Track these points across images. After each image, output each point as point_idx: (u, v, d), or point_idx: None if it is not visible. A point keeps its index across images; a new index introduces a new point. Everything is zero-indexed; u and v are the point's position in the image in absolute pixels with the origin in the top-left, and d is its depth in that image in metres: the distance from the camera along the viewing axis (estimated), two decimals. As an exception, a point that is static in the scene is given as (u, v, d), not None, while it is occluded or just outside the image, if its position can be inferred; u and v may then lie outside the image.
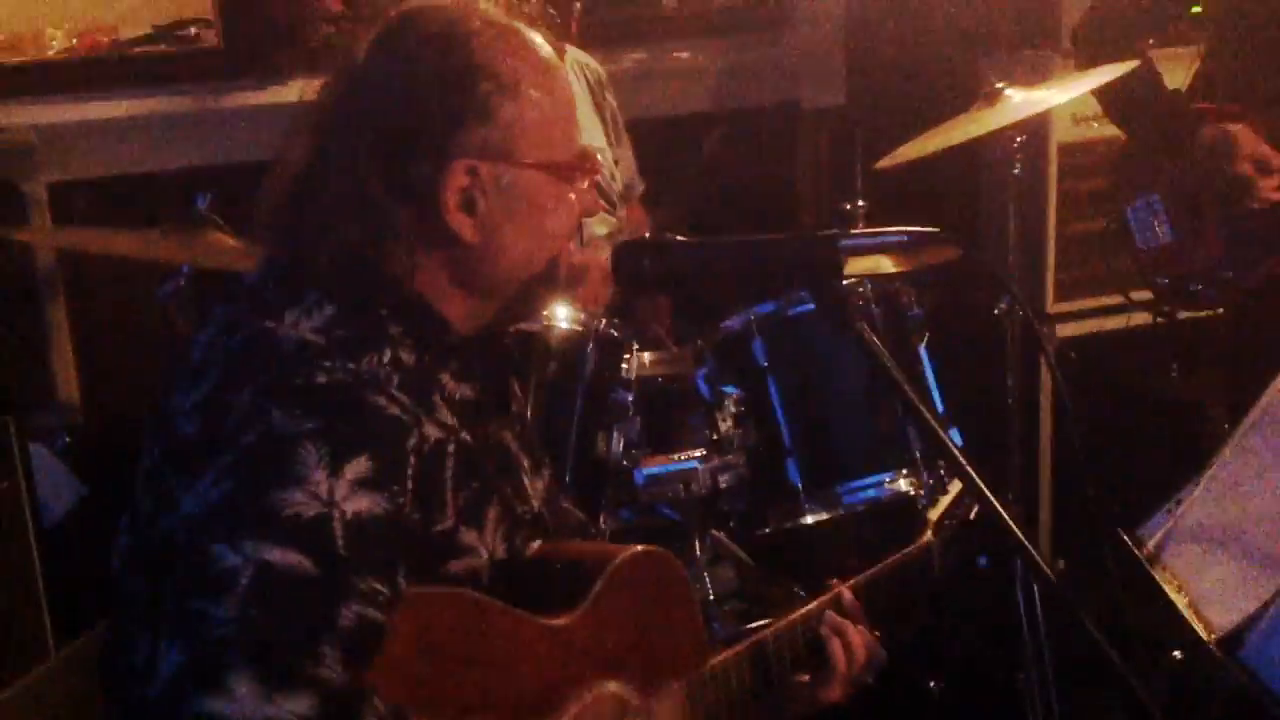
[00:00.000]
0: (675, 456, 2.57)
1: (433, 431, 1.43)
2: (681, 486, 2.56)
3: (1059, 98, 2.80)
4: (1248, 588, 1.64)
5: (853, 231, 1.60)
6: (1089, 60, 2.98)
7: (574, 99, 1.60)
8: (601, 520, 2.56)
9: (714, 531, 2.76)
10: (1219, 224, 2.89)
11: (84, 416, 3.42)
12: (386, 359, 1.44)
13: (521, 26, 1.55)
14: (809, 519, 2.59)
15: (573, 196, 1.57)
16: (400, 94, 1.48)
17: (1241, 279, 2.86)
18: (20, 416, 2.68)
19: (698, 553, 2.63)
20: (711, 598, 2.61)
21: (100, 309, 3.47)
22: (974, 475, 1.47)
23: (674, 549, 2.53)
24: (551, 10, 3.13)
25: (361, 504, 1.32)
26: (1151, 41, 3.11)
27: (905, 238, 1.65)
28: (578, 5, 3.25)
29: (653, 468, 2.55)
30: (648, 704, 1.59)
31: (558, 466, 2.52)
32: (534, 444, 1.75)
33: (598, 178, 1.90)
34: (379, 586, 1.31)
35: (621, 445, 2.55)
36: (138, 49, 4.18)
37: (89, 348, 3.50)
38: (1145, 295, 3.37)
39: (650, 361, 2.72)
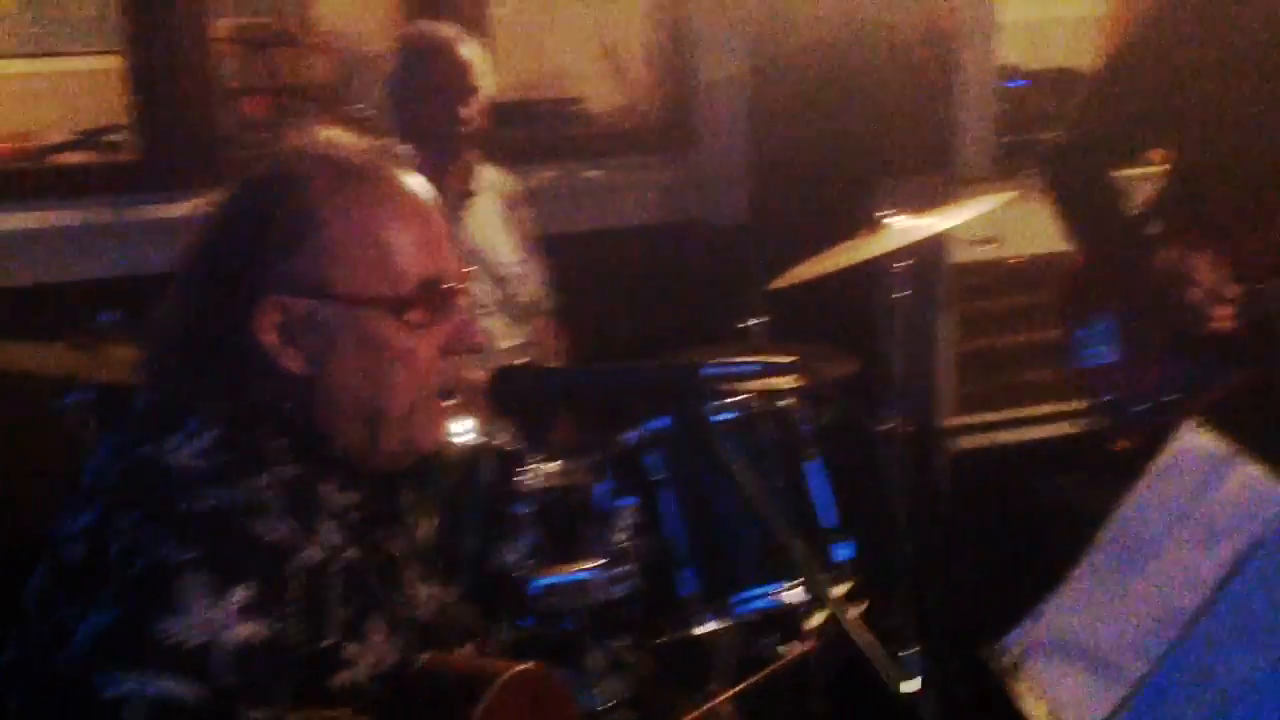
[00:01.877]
0: (571, 568, 2.61)
1: (315, 553, 1.48)
2: (577, 596, 2.60)
3: (938, 225, 2.93)
4: (1098, 697, 1.72)
5: (711, 360, 1.67)
6: (1058, 187, 3.06)
7: (431, 234, 1.57)
8: (502, 630, 2.60)
9: (612, 641, 2.81)
10: (1167, 347, 2.96)
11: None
12: (265, 481, 1.47)
13: (371, 162, 1.56)
14: (703, 628, 2.65)
15: (425, 335, 1.56)
16: (225, 231, 1.53)
17: (1186, 402, 2.91)
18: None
19: (589, 663, 2.67)
20: (600, 709, 2.64)
21: (8, 419, 3.48)
22: (819, 584, 1.55)
23: (570, 658, 2.62)
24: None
25: (246, 631, 1.37)
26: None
27: (760, 366, 1.73)
28: (475, 111, 3.36)
29: (549, 578, 2.59)
30: None
31: (457, 577, 2.58)
32: (425, 553, 1.80)
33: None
34: (262, 715, 1.36)
35: (518, 556, 2.60)
36: (57, 157, 4.25)
37: (-3, 458, 3.52)
38: (1046, 410, 3.51)
39: (551, 473, 2.77)
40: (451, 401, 1.63)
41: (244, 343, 1.50)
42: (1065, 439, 3.50)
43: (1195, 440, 1.87)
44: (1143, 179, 3.13)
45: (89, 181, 4.00)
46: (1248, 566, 1.66)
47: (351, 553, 1.54)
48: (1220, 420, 1.87)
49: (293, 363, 1.51)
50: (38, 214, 3.76)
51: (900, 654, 3.07)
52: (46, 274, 3.63)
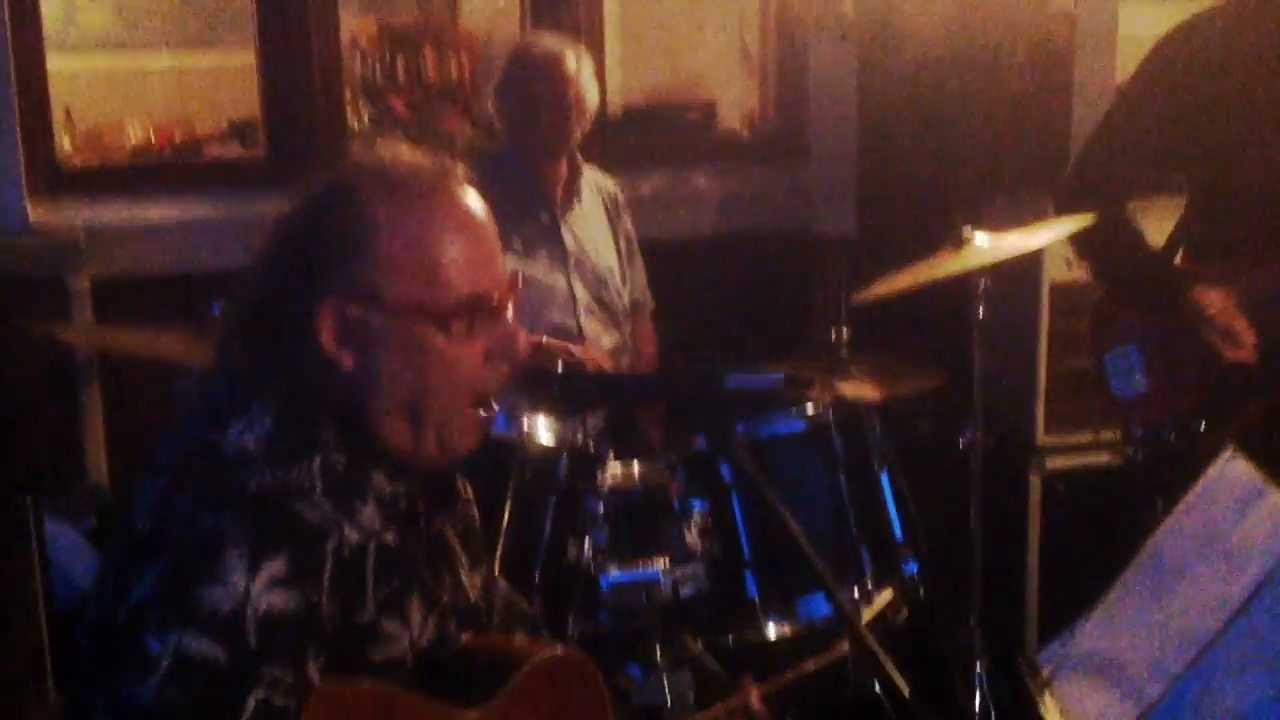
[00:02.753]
0: (640, 565, 2.71)
1: (353, 535, 1.60)
2: (645, 594, 2.70)
3: (1028, 244, 2.95)
4: (1115, 716, 1.76)
5: (737, 372, 1.74)
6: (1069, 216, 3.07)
7: (483, 251, 1.66)
8: (570, 623, 2.71)
9: (684, 638, 2.90)
10: (1194, 375, 2.96)
11: (112, 500, 3.63)
12: (316, 465, 1.60)
13: (431, 180, 1.67)
14: (768, 631, 2.73)
15: (470, 343, 1.65)
16: (293, 236, 1.65)
17: (1214, 430, 2.91)
18: (43, 497, 2.88)
19: (659, 659, 2.75)
20: (669, 703, 2.73)
21: (133, 398, 3.68)
22: (836, 593, 1.61)
23: (638, 654, 2.71)
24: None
25: (274, 600, 1.50)
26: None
27: (780, 376, 1.80)
28: (581, 120, 3.47)
29: (618, 575, 2.70)
30: None
31: (527, 569, 2.70)
32: (476, 539, 1.91)
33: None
34: (284, 675, 1.49)
35: (590, 552, 2.71)
36: (201, 151, 4.47)
37: (120, 435, 3.72)
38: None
39: (627, 472, 2.87)
40: (491, 410, 1.72)
41: (304, 340, 1.63)
42: (1159, 463, 3.48)
43: (1231, 468, 1.89)
44: (1161, 212, 3.10)
45: (224, 176, 4.21)
46: (1266, 592, 1.69)
47: (390, 536, 1.65)
48: (1251, 446, 1.89)
49: (345, 362, 1.63)
50: (174, 205, 3.95)
51: (972, 669, 3.10)
52: (173, 263, 3.82)
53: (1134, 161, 2.98)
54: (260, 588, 1.49)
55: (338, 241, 1.61)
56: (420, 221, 1.63)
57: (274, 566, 1.51)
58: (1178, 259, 3.07)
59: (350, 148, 1.74)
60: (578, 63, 3.47)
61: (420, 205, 1.64)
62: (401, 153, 1.70)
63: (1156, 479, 3.33)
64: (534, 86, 3.44)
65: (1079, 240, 3.04)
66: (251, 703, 1.46)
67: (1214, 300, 2.84)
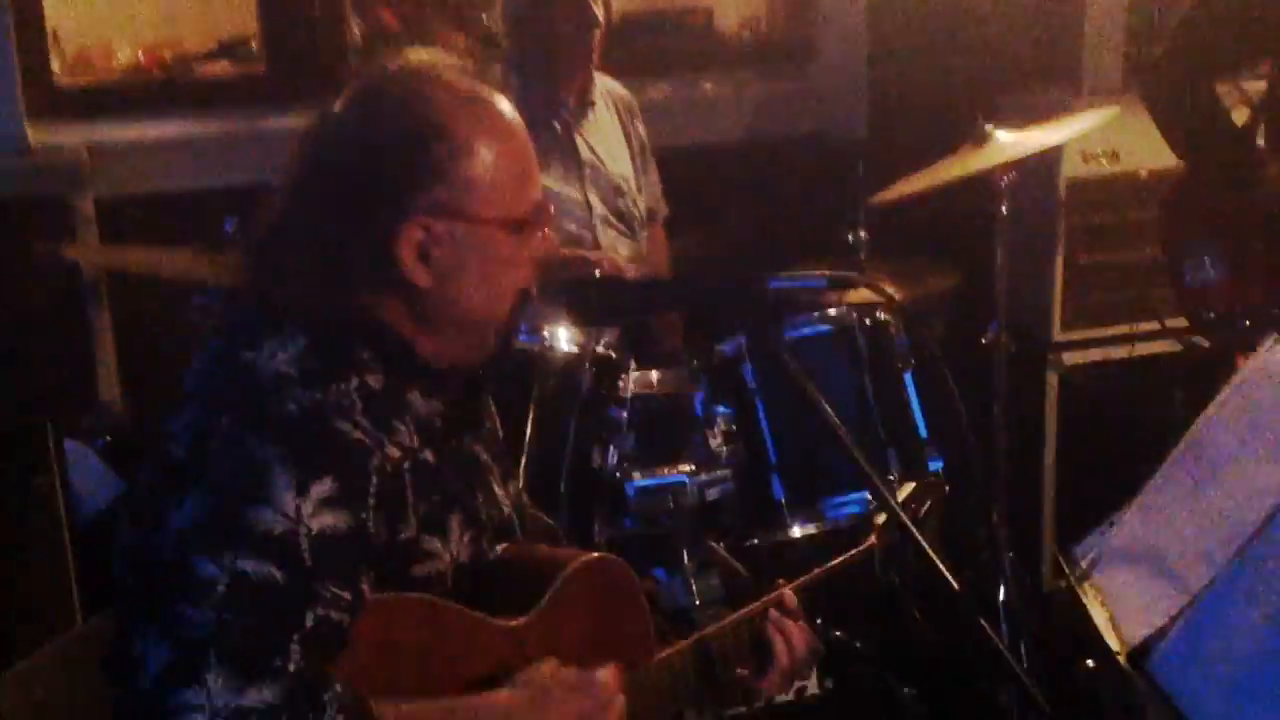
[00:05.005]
0: (666, 471, 2.70)
1: (393, 451, 1.59)
2: (671, 499, 2.69)
3: (1049, 139, 2.91)
4: (1159, 604, 1.75)
5: (781, 274, 1.72)
6: (1159, 100, 3.05)
7: (531, 158, 1.71)
8: (596, 529, 2.71)
9: (710, 542, 2.90)
10: (1272, 263, 2.96)
11: (125, 418, 3.62)
12: (354, 386, 1.59)
13: (482, 91, 1.68)
14: (794, 532, 2.72)
15: (528, 247, 1.69)
16: (364, 151, 1.62)
17: None
18: (60, 418, 2.87)
19: (686, 562, 2.75)
20: (698, 603, 2.73)
21: (142, 316, 3.66)
22: (888, 497, 1.60)
23: (666, 558, 2.71)
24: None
25: (326, 520, 1.49)
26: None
27: (824, 280, 1.77)
28: (599, 33, 3.39)
29: (643, 481, 2.69)
30: None
31: (553, 477, 2.68)
32: (505, 455, 1.91)
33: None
34: (341, 592, 1.48)
35: (615, 459, 2.69)
36: (194, 68, 4.40)
37: (131, 353, 3.70)
38: (1153, 326, 3.48)
39: (650, 380, 2.85)
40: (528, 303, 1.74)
41: (375, 259, 1.61)
42: (1178, 355, 3.47)
43: (1275, 356, 1.87)
44: (1245, 92, 3.07)
45: (221, 93, 4.14)
46: (1313, 481, 1.67)
47: (428, 454, 1.65)
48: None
49: (422, 278, 1.63)
50: (173, 124, 3.90)
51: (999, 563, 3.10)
52: (178, 182, 3.76)
53: (1226, 41, 2.97)
54: (311, 508, 1.48)
55: (416, 162, 1.61)
56: (494, 136, 1.65)
57: (323, 486, 1.49)
58: (1263, 141, 3.03)
59: (382, 55, 1.70)
60: None
61: (490, 119, 1.66)
62: (444, 60, 1.70)
63: (1180, 372, 3.34)
64: None
65: (1166, 120, 3.00)
66: (310, 619, 1.45)
67: None
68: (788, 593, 1.93)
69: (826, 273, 1.77)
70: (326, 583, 1.47)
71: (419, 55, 1.71)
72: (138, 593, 1.53)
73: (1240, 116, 3.09)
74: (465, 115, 1.63)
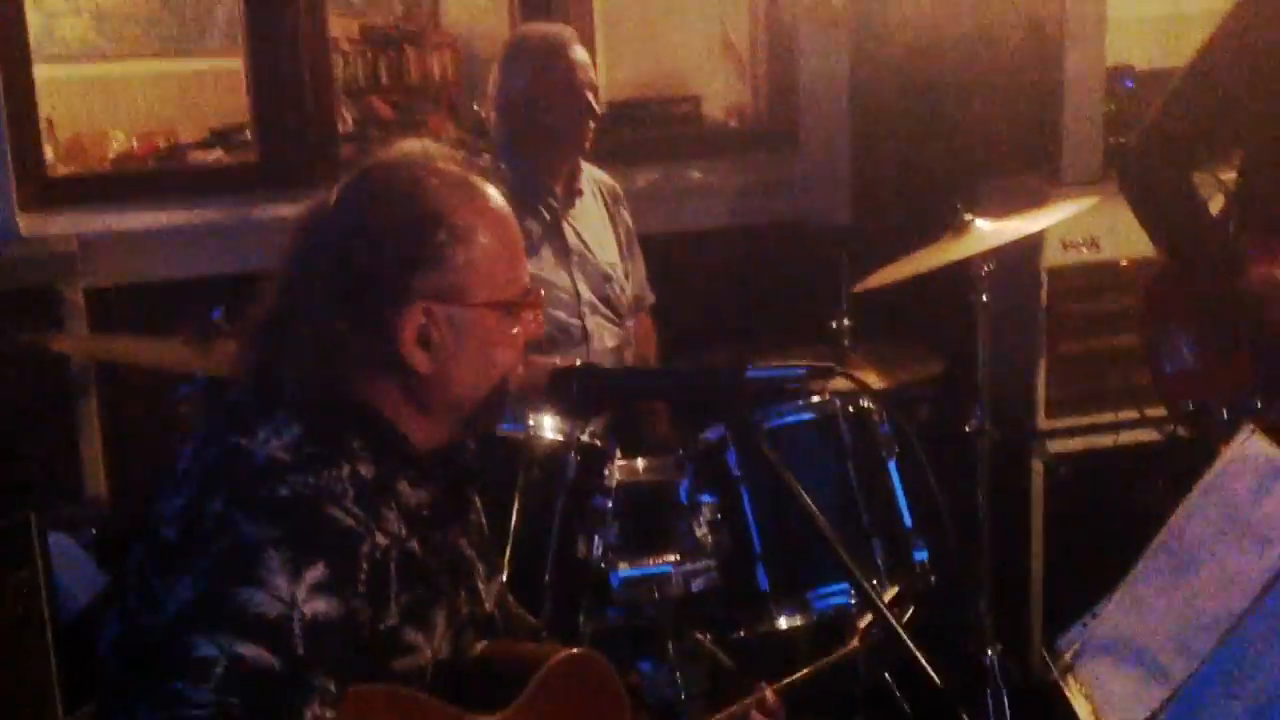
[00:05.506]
0: (651, 561, 2.70)
1: (381, 540, 1.60)
2: (656, 590, 2.69)
3: (1028, 228, 2.95)
4: (1142, 697, 1.76)
5: (757, 365, 1.74)
6: (1134, 186, 3.08)
7: (520, 242, 1.76)
8: (580, 620, 2.70)
9: (696, 633, 2.89)
10: (1252, 353, 2.96)
11: (111, 511, 3.61)
12: (345, 474, 1.60)
13: (473, 177, 1.73)
14: (779, 623, 2.71)
15: (518, 329, 1.74)
16: (365, 240, 1.66)
17: (1270, 409, 2.89)
18: (44, 511, 2.86)
19: (671, 653, 2.74)
20: (683, 696, 2.72)
21: (130, 408, 3.68)
22: (866, 586, 1.61)
23: (651, 649, 2.70)
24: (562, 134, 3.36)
25: (319, 606, 1.50)
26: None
27: (804, 370, 1.79)
28: (592, 125, 3.42)
29: (628, 571, 2.68)
30: None
31: (537, 567, 2.68)
32: (490, 550, 1.91)
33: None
34: (331, 686, 1.48)
35: (600, 549, 2.69)
36: (188, 156, 4.46)
37: (118, 445, 3.70)
38: (1134, 414, 3.49)
39: (635, 468, 2.86)
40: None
41: (374, 346, 1.65)
42: (1161, 445, 3.49)
43: (1251, 446, 1.89)
44: (1221, 181, 3.11)
45: (212, 181, 4.19)
46: (1291, 573, 1.68)
47: (415, 545, 1.65)
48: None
49: (421, 363, 1.66)
50: (163, 213, 3.93)
51: (984, 655, 3.09)
52: (170, 271, 3.79)
53: (1202, 130, 2.99)
54: (304, 593, 1.49)
55: (418, 249, 1.65)
56: (488, 221, 1.71)
57: (315, 572, 1.51)
58: (1237, 231, 3.05)
59: (375, 144, 1.74)
60: (584, 53, 3.41)
61: (483, 204, 1.72)
62: (436, 149, 1.75)
63: (1163, 461, 3.35)
64: (543, 77, 3.35)
65: (1142, 207, 3.03)
66: (309, 716, 1.45)
67: (1274, 270, 2.83)
68: (769, 693, 1.93)
69: (804, 363, 1.78)
70: (318, 674, 1.47)
71: (411, 145, 1.76)
72: (125, 677, 1.53)
73: (1216, 206, 3.12)
74: (460, 202, 1.69)
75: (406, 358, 1.65)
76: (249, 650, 1.44)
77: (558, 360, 2.86)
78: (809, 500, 1.73)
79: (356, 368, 1.66)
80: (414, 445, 1.70)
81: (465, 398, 1.72)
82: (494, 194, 1.74)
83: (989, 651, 3.08)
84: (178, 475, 1.62)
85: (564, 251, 3.46)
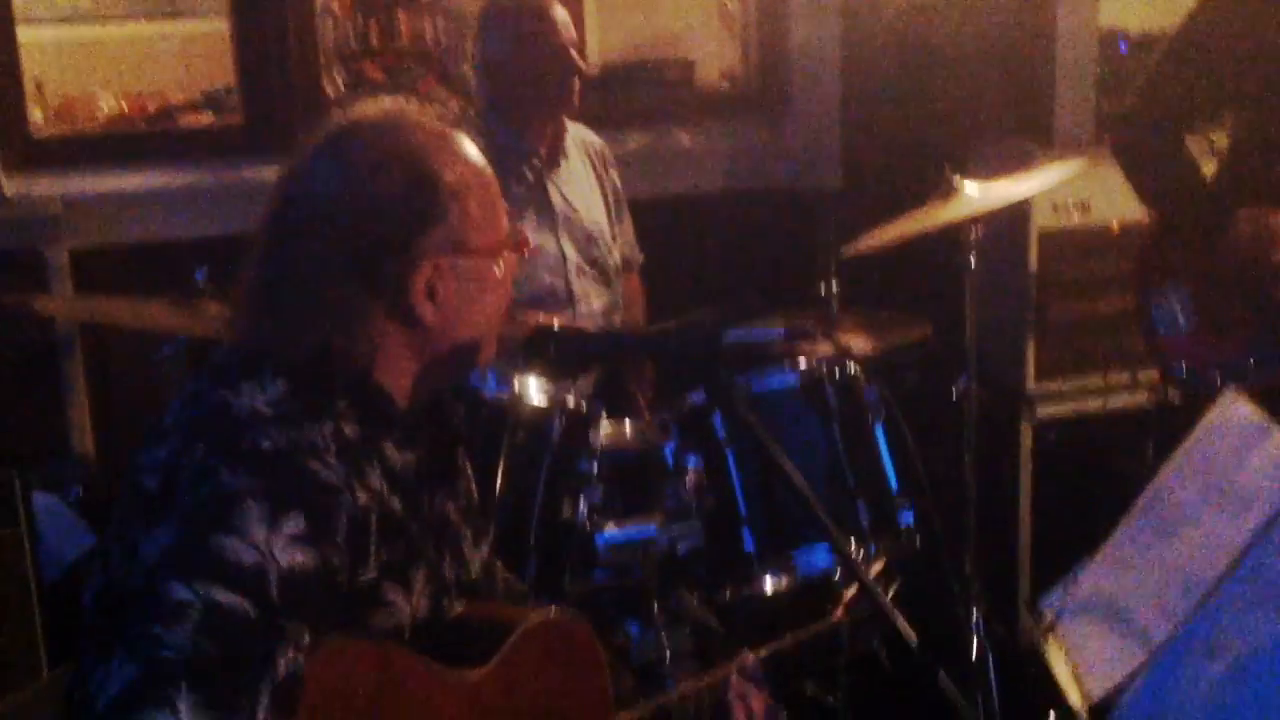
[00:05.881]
0: (635, 523, 2.70)
1: (362, 495, 1.61)
2: (641, 551, 2.69)
3: (1017, 191, 2.93)
4: (1122, 658, 1.76)
5: (735, 327, 1.74)
6: (1129, 153, 3.08)
7: (497, 185, 1.80)
8: (566, 582, 2.70)
9: (682, 595, 2.89)
10: (1246, 315, 2.96)
11: (97, 469, 3.61)
12: (328, 430, 1.61)
13: (451, 132, 1.76)
14: (765, 584, 2.71)
15: (507, 271, 1.78)
16: (369, 205, 1.67)
17: (1265, 372, 2.92)
18: (29, 469, 2.86)
19: (657, 614, 2.75)
20: (669, 657, 2.72)
21: (115, 366, 3.68)
22: (847, 553, 1.60)
23: (636, 610, 2.70)
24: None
25: (295, 557, 1.50)
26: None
27: (781, 332, 1.79)
28: (576, 83, 3.40)
29: (613, 533, 2.68)
30: None
31: (522, 529, 2.68)
32: (477, 515, 1.91)
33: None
34: (305, 635, 1.49)
35: (585, 511, 2.69)
36: (175, 119, 4.43)
37: (103, 405, 3.70)
38: (1125, 378, 3.49)
39: (621, 431, 2.85)
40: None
41: (382, 304, 1.67)
42: (1151, 408, 3.49)
43: (1233, 409, 1.88)
44: (1214, 144, 3.10)
45: (197, 144, 4.16)
46: (1271, 534, 1.68)
47: (396, 503, 1.65)
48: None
49: (428, 315, 1.69)
50: (151, 174, 3.91)
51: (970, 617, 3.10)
52: (155, 232, 3.78)
53: (1194, 94, 2.98)
54: (281, 544, 1.50)
55: (422, 208, 1.68)
56: (472, 171, 1.75)
57: (293, 523, 1.51)
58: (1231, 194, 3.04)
59: (354, 106, 1.74)
60: (561, 10, 3.39)
61: (465, 155, 1.75)
62: (407, 106, 1.78)
63: (1153, 425, 3.35)
64: (526, 38, 3.33)
65: (1136, 172, 3.03)
66: (282, 666, 1.46)
67: (1268, 230, 2.83)
68: (750, 659, 1.93)
69: (781, 326, 1.77)
70: (294, 622, 1.48)
71: (382, 103, 1.77)
72: (104, 622, 1.53)
73: (1209, 168, 3.11)
74: (448, 157, 1.72)
75: (417, 311, 1.69)
76: (224, 596, 1.45)
77: (541, 318, 2.86)
78: (790, 463, 1.71)
79: (357, 327, 1.67)
80: (400, 407, 1.71)
81: (464, 344, 1.76)
82: (469, 143, 1.78)
83: (974, 613, 3.08)
84: (161, 428, 1.62)
85: (549, 213, 3.44)
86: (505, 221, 1.79)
